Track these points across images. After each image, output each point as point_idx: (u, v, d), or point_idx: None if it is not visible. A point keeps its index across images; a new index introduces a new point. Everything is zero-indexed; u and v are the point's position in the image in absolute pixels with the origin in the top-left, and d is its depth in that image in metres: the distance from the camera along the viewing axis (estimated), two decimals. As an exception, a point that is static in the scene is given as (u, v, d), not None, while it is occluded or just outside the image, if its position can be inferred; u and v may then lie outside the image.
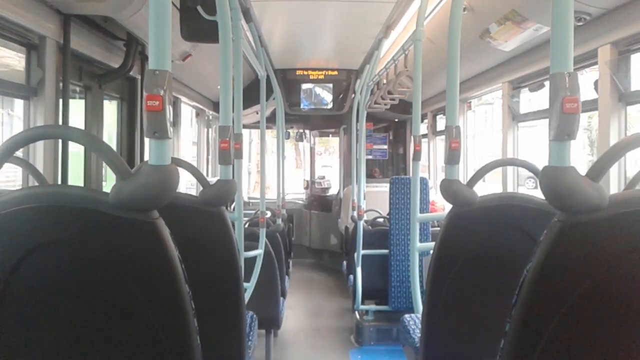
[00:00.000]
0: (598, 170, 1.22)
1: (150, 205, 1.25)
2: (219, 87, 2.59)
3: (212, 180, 2.36)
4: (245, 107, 3.36)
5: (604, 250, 1.19)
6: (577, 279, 1.20)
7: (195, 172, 2.55)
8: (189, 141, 7.15)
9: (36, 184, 2.45)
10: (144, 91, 1.27)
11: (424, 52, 3.19)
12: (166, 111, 1.26)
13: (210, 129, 7.65)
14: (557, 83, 1.25)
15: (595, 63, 3.14)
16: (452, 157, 2.40)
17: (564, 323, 1.21)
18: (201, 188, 2.34)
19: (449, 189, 2.19)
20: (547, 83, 3.94)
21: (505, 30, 3.60)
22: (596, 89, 3.14)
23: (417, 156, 3.16)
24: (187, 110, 6.83)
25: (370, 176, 7.94)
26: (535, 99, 4.44)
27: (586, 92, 3.25)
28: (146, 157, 4.29)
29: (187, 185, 6.25)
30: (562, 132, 1.24)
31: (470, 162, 6.23)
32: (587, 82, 3.25)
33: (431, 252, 2.33)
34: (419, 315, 2.80)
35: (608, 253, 1.18)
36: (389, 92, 5.12)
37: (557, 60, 1.27)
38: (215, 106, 7.31)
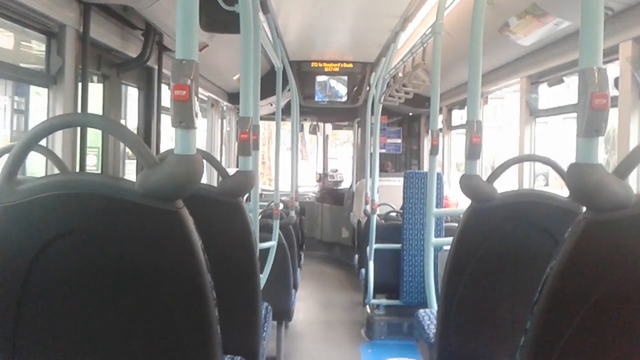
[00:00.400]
0: (625, 168, 1.21)
1: (177, 195, 1.25)
2: (234, 77, 2.59)
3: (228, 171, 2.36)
4: (261, 99, 3.36)
5: (630, 248, 1.18)
6: (601, 276, 1.19)
7: (215, 162, 2.55)
8: (203, 130, 7.15)
9: (56, 171, 2.47)
10: (172, 81, 1.27)
11: (442, 45, 3.17)
12: (193, 101, 1.26)
13: (224, 120, 7.66)
14: (587, 78, 1.24)
15: (617, 59, 3.10)
16: (473, 152, 2.38)
17: (587, 321, 1.20)
18: (214, 180, 2.34)
19: (469, 184, 2.18)
20: (565, 78, 3.91)
21: (525, 24, 3.56)
22: (616, 85, 3.10)
23: (434, 150, 3.14)
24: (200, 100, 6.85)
25: (382, 170, 7.93)
26: (550, 95, 4.39)
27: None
28: (162, 146, 4.32)
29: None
30: (591, 128, 1.23)
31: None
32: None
33: (444, 247, 2.32)
34: (434, 311, 2.80)
35: (634, 251, 1.17)
36: (404, 85, 5.10)
37: (587, 55, 1.25)
38: (230, 97, 7.31)
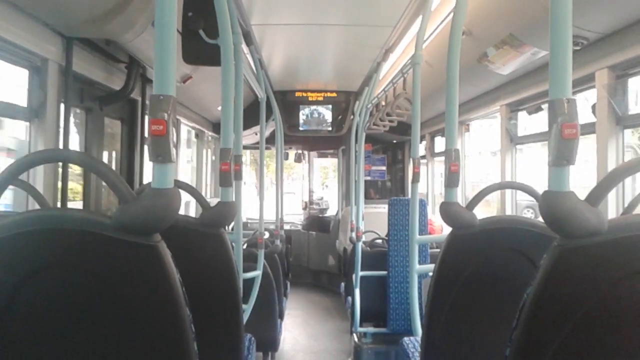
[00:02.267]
0: (597, 195, 1.23)
1: (153, 229, 1.25)
2: (219, 108, 2.60)
3: (211, 200, 2.36)
4: (244, 128, 3.37)
5: (603, 274, 1.19)
6: (576, 303, 1.20)
7: (195, 194, 2.55)
8: (185, 160, 7.15)
9: (37, 206, 2.46)
10: (149, 115, 1.29)
11: (422, 75, 3.22)
12: (170, 135, 1.28)
13: (209, 150, 7.67)
14: (556, 109, 1.26)
15: (593, 87, 3.17)
16: (452, 179, 2.40)
17: (565, 347, 1.21)
18: (199, 207, 2.34)
19: (448, 211, 2.20)
20: (544, 106, 3.98)
21: (503, 54, 3.64)
22: (594, 112, 3.17)
23: (416, 178, 3.17)
24: (184, 131, 6.86)
25: (366, 197, 7.96)
26: (530, 122, 4.47)
27: (585, 115, 3.29)
28: (146, 179, 4.32)
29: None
30: (561, 157, 1.25)
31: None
32: (587, 104, 3.29)
33: (430, 274, 2.32)
34: (419, 338, 2.79)
35: (608, 277, 1.19)
36: (388, 114, 5.15)
37: (556, 86, 1.29)
38: (214, 127, 7.34)
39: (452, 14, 2.55)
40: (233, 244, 2.90)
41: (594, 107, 3.16)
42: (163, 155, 1.28)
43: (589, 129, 3.21)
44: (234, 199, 2.63)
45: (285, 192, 14.60)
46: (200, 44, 2.95)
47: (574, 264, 1.21)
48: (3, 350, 1.24)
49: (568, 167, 1.26)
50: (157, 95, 1.29)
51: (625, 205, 2.65)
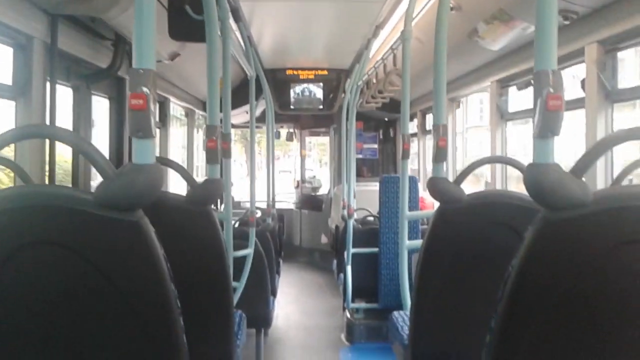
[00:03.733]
0: (582, 166, 1.23)
1: (134, 205, 1.25)
2: None
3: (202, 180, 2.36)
4: (234, 107, 3.35)
5: (587, 246, 1.20)
6: (560, 274, 1.21)
7: (182, 171, 2.54)
8: (181, 146, 7.12)
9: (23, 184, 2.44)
10: (128, 90, 1.27)
11: (413, 51, 3.20)
12: (150, 110, 1.26)
13: (200, 129, 7.63)
14: (541, 80, 1.26)
15: (582, 61, 3.16)
16: (440, 155, 2.41)
17: (549, 318, 1.22)
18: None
19: (436, 186, 2.20)
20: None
21: (493, 29, 3.62)
22: (583, 87, 3.16)
23: (406, 154, 3.17)
24: (179, 112, 6.82)
25: (358, 175, 7.96)
26: (521, 98, 4.47)
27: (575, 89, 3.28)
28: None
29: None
30: (546, 129, 1.25)
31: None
32: (576, 79, 3.28)
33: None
34: (408, 313, 2.81)
35: (591, 249, 1.19)
36: (379, 92, 5.13)
37: (541, 58, 1.28)
38: (205, 106, 7.28)
39: None
40: (223, 222, 2.91)
41: (583, 81, 3.16)
42: (143, 130, 1.27)
43: (578, 104, 3.21)
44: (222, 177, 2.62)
45: (281, 171, 14.60)
46: (187, 19, 2.92)
47: (558, 236, 1.22)
48: None
49: (553, 139, 1.26)
50: (137, 69, 1.27)
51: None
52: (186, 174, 2.52)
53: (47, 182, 2.93)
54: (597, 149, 1.27)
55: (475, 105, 6.05)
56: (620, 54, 3.02)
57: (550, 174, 1.23)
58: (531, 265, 1.22)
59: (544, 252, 1.22)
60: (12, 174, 2.92)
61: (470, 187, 2.30)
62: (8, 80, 2.84)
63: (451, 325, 2.25)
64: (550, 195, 1.21)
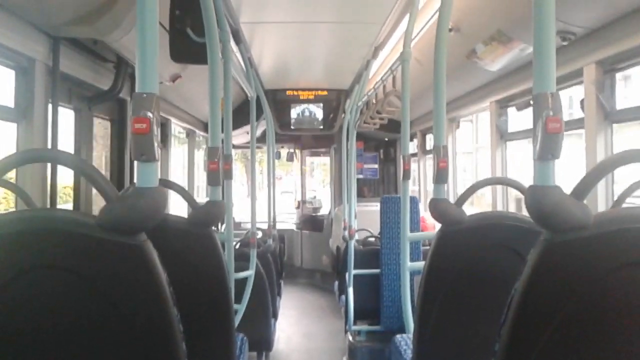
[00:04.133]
0: (582, 189, 1.23)
1: (138, 228, 1.24)
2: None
3: (203, 202, 2.36)
4: (235, 128, 3.37)
5: (589, 268, 1.19)
6: (563, 297, 1.20)
7: (183, 193, 2.54)
8: (182, 162, 7.13)
9: (25, 207, 2.44)
10: (132, 114, 1.28)
11: (412, 72, 3.22)
12: (153, 134, 1.27)
13: (201, 150, 7.65)
14: (540, 103, 1.27)
15: (581, 82, 3.17)
16: (440, 176, 2.41)
17: (553, 341, 1.21)
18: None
19: (437, 208, 2.20)
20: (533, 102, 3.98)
21: (492, 50, 3.64)
22: (582, 107, 3.17)
23: (406, 175, 3.17)
24: (180, 132, 6.84)
25: (359, 196, 7.95)
26: (520, 118, 4.48)
27: (575, 110, 3.29)
28: (136, 179, 4.29)
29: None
30: (546, 152, 1.25)
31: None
32: (576, 100, 3.29)
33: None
34: (411, 336, 2.79)
35: (593, 271, 1.19)
36: (378, 112, 5.15)
37: (540, 81, 1.29)
38: (206, 127, 7.29)
39: (439, 11, 2.56)
40: (224, 243, 2.90)
41: (582, 102, 3.17)
42: (147, 154, 1.27)
43: (576, 124, 3.22)
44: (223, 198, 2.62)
45: (283, 192, 14.56)
46: (188, 42, 2.94)
47: (560, 259, 1.21)
48: None
49: (553, 162, 1.26)
50: (140, 93, 1.28)
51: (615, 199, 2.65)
52: (188, 196, 2.52)
53: (48, 205, 2.93)
54: (598, 171, 1.27)
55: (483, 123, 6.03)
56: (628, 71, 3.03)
57: (551, 196, 1.23)
58: (534, 288, 1.22)
59: (547, 275, 1.21)
60: (10, 197, 2.91)
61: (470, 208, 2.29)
62: (10, 103, 2.85)
63: (454, 348, 2.23)
64: (552, 217, 1.21)
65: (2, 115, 2.84)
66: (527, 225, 2.07)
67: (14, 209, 2.91)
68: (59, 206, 3.10)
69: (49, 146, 2.97)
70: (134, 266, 1.25)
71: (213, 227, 2.31)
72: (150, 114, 1.26)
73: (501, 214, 2.24)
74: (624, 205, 2.18)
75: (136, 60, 1.31)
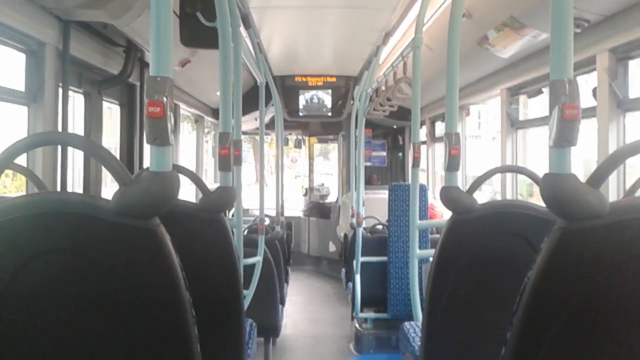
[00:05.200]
0: (598, 177, 1.22)
1: (152, 212, 1.24)
2: (218, 93, 2.58)
3: (211, 187, 2.35)
4: (244, 114, 3.35)
5: (604, 257, 1.18)
6: (577, 285, 1.19)
7: (195, 178, 2.54)
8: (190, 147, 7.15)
9: (36, 190, 2.45)
10: (145, 97, 1.27)
11: (423, 59, 3.19)
12: (167, 118, 1.26)
13: (209, 136, 7.65)
14: (557, 90, 1.25)
15: (594, 70, 3.14)
16: (452, 163, 2.39)
17: (565, 330, 1.20)
18: (201, 194, 2.33)
19: (449, 196, 2.19)
20: (545, 90, 3.95)
21: (504, 37, 3.61)
22: (594, 95, 3.15)
23: (416, 163, 3.15)
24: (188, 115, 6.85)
25: (368, 183, 7.94)
26: (531, 106, 4.45)
27: (585, 98, 3.26)
28: (145, 163, 4.31)
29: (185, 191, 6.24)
30: (563, 139, 1.24)
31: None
32: (587, 88, 3.26)
33: (431, 259, 2.32)
34: (419, 323, 2.79)
35: (608, 260, 1.18)
36: (388, 99, 5.13)
37: (557, 67, 1.27)
38: (214, 113, 7.32)
39: None
40: (233, 229, 2.90)
41: (594, 90, 3.14)
42: (161, 137, 1.27)
43: (589, 112, 3.19)
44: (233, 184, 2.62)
45: (297, 175, 14.52)
46: (198, 26, 2.92)
47: (575, 247, 1.20)
48: (1, 333, 1.24)
49: (569, 149, 1.25)
50: (154, 77, 1.27)
51: (627, 188, 2.64)
52: (199, 182, 2.52)
53: (59, 188, 2.94)
54: (614, 159, 1.25)
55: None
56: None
57: (567, 184, 1.21)
58: (548, 276, 1.21)
59: (561, 263, 1.20)
60: (17, 180, 2.92)
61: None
62: (21, 86, 2.86)
63: (464, 336, 2.23)
64: (567, 205, 1.20)
65: (13, 98, 2.84)
66: (538, 214, 2.05)
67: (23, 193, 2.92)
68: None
69: (60, 129, 2.97)
70: (147, 250, 1.25)
71: (222, 214, 2.31)
72: (164, 98, 1.26)
73: (512, 202, 2.22)
74: (637, 194, 2.16)
75: (150, 43, 1.30)
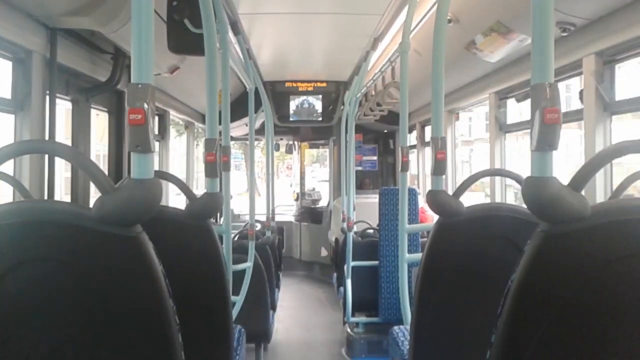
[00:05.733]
0: (580, 180, 1.23)
1: (133, 220, 1.24)
2: None
3: (201, 193, 2.35)
4: (234, 120, 3.35)
5: (586, 259, 1.19)
6: (560, 288, 1.20)
7: (181, 184, 2.54)
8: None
9: (22, 199, 2.43)
10: (127, 104, 1.27)
11: (411, 63, 3.20)
12: (149, 125, 1.26)
13: (199, 142, 7.64)
14: (538, 94, 1.26)
15: (581, 73, 3.16)
16: (438, 168, 2.40)
17: (549, 333, 1.21)
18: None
19: (435, 199, 2.19)
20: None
21: (491, 42, 3.63)
22: (581, 98, 3.17)
23: (405, 167, 3.16)
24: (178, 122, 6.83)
25: (360, 187, 7.95)
26: (517, 110, 4.47)
27: (573, 101, 3.28)
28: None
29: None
30: (544, 143, 1.25)
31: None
32: (574, 91, 3.28)
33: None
34: (408, 327, 2.79)
35: (591, 262, 1.18)
36: (378, 104, 5.14)
37: (538, 71, 1.28)
38: (204, 119, 7.29)
39: (438, 1, 2.54)
40: (222, 235, 2.90)
41: (581, 93, 3.16)
42: (142, 144, 1.26)
43: (575, 115, 3.21)
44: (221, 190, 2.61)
45: (291, 184, 14.52)
46: (186, 33, 2.93)
47: (557, 250, 1.21)
48: None
49: (551, 153, 1.26)
50: (136, 84, 1.27)
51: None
52: (185, 188, 2.51)
53: (46, 197, 2.92)
54: (596, 162, 1.26)
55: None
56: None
57: (549, 187, 1.22)
58: (531, 279, 1.21)
59: (544, 266, 1.21)
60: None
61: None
62: (7, 94, 2.84)
63: (452, 340, 2.23)
64: (549, 208, 1.20)
65: (0, 106, 2.83)
66: (524, 217, 2.06)
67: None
68: None
69: (47, 137, 2.96)
70: (129, 258, 1.25)
71: (212, 219, 2.31)
72: (145, 105, 1.25)
73: (499, 205, 2.23)
74: (622, 197, 2.17)
75: (131, 50, 1.30)
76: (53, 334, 1.26)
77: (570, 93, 3.56)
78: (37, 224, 1.22)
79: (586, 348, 1.22)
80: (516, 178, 2.39)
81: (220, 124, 2.83)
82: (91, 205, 1.25)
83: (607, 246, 1.19)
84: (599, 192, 2.98)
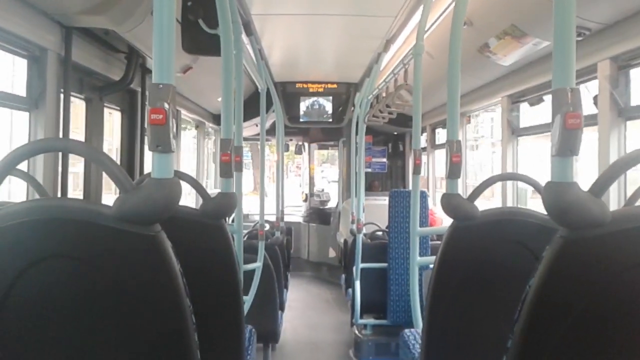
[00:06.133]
0: (600, 186, 1.22)
1: (153, 219, 1.24)
2: (219, 99, 2.59)
3: (212, 193, 2.35)
4: (245, 120, 3.36)
5: (606, 265, 1.18)
6: (579, 294, 1.19)
7: (196, 185, 2.54)
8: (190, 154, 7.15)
9: (37, 196, 2.45)
10: (148, 104, 1.27)
11: (423, 66, 3.19)
12: (169, 125, 1.26)
13: (209, 141, 7.66)
14: (560, 99, 1.25)
15: (595, 78, 3.15)
16: (453, 171, 2.39)
17: (567, 339, 1.20)
18: (201, 200, 2.33)
19: (450, 203, 2.18)
20: (546, 97, 3.96)
21: (505, 45, 3.62)
22: (596, 104, 3.15)
23: (417, 170, 3.15)
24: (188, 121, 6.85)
25: (369, 189, 7.93)
26: (530, 113, 4.45)
27: (586, 106, 3.26)
28: (146, 169, 4.31)
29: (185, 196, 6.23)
30: (565, 148, 1.24)
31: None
32: (588, 96, 3.26)
33: (430, 266, 2.31)
34: (419, 330, 2.79)
35: (611, 269, 1.18)
36: (388, 106, 5.13)
37: (559, 76, 1.27)
38: (215, 119, 7.32)
39: (453, 4, 2.54)
40: (234, 235, 2.90)
41: (595, 98, 3.15)
42: (163, 144, 1.27)
43: (590, 120, 3.19)
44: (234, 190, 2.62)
45: (300, 184, 14.53)
46: (200, 33, 2.93)
47: (577, 256, 1.20)
48: (1, 339, 1.24)
49: (572, 158, 1.25)
50: (157, 84, 1.28)
51: (627, 197, 2.63)
52: (200, 188, 2.52)
53: (59, 194, 2.94)
54: (617, 168, 1.25)
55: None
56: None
57: (569, 193, 1.21)
58: (550, 285, 1.21)
59: (563, 272, 1.20)
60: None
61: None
62: (22, 92, 2.86)
63: (464, 344, 2.22)
64: (569, 214, 1.19)
65: (15, 104, 2.85)
66: (539, 222, 2.05)
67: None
68: None
69: (61, 135, 2.97)
70: (148, 257, 1.25)
71: (223, 220, 2.31)
72: (166, 105, 1.26)
73: (513, 209, 2.22)
74: (638, 203, 2.16)
75: (153, 50, 1.30)
76: (71, 330, 1.27)
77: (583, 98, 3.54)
78: (57, 221, 1.23)
79: (604, 354, 1.21)
80: (532, 183, 2.37)
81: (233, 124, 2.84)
82: (103, 203, 1.26)
83: (627, 252, 1.18)
84: (612, 199, 2.96)
